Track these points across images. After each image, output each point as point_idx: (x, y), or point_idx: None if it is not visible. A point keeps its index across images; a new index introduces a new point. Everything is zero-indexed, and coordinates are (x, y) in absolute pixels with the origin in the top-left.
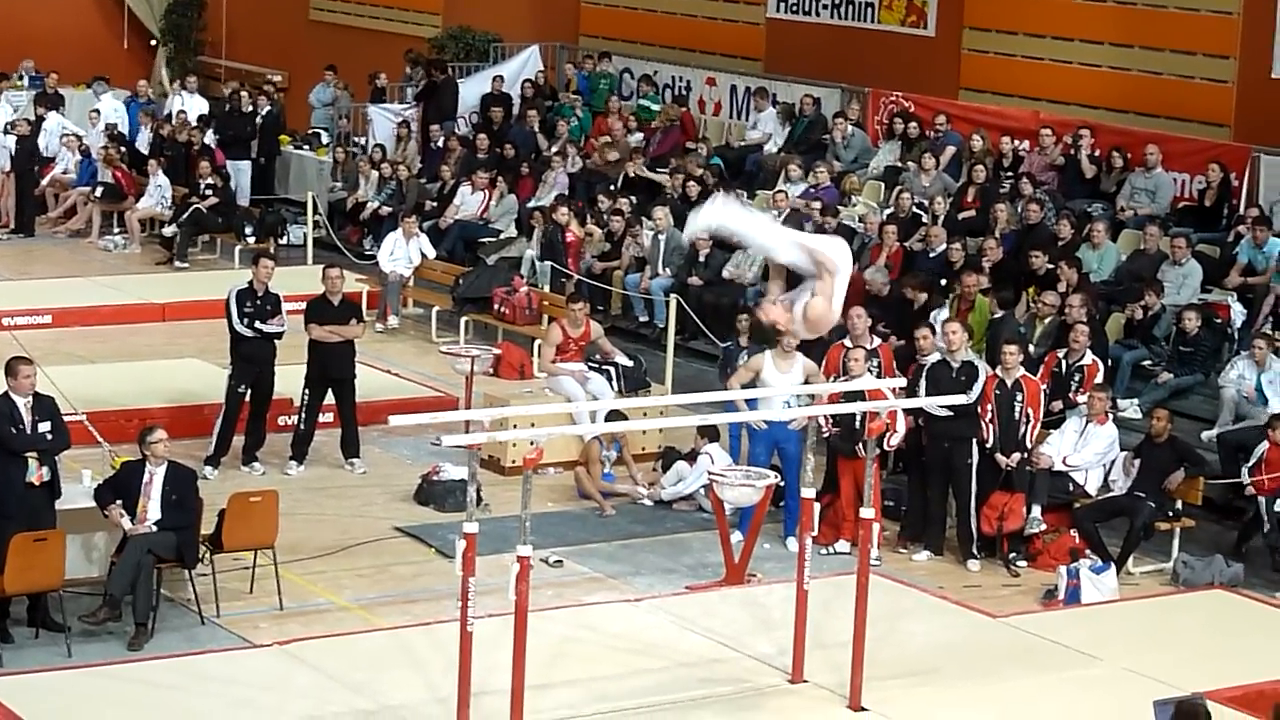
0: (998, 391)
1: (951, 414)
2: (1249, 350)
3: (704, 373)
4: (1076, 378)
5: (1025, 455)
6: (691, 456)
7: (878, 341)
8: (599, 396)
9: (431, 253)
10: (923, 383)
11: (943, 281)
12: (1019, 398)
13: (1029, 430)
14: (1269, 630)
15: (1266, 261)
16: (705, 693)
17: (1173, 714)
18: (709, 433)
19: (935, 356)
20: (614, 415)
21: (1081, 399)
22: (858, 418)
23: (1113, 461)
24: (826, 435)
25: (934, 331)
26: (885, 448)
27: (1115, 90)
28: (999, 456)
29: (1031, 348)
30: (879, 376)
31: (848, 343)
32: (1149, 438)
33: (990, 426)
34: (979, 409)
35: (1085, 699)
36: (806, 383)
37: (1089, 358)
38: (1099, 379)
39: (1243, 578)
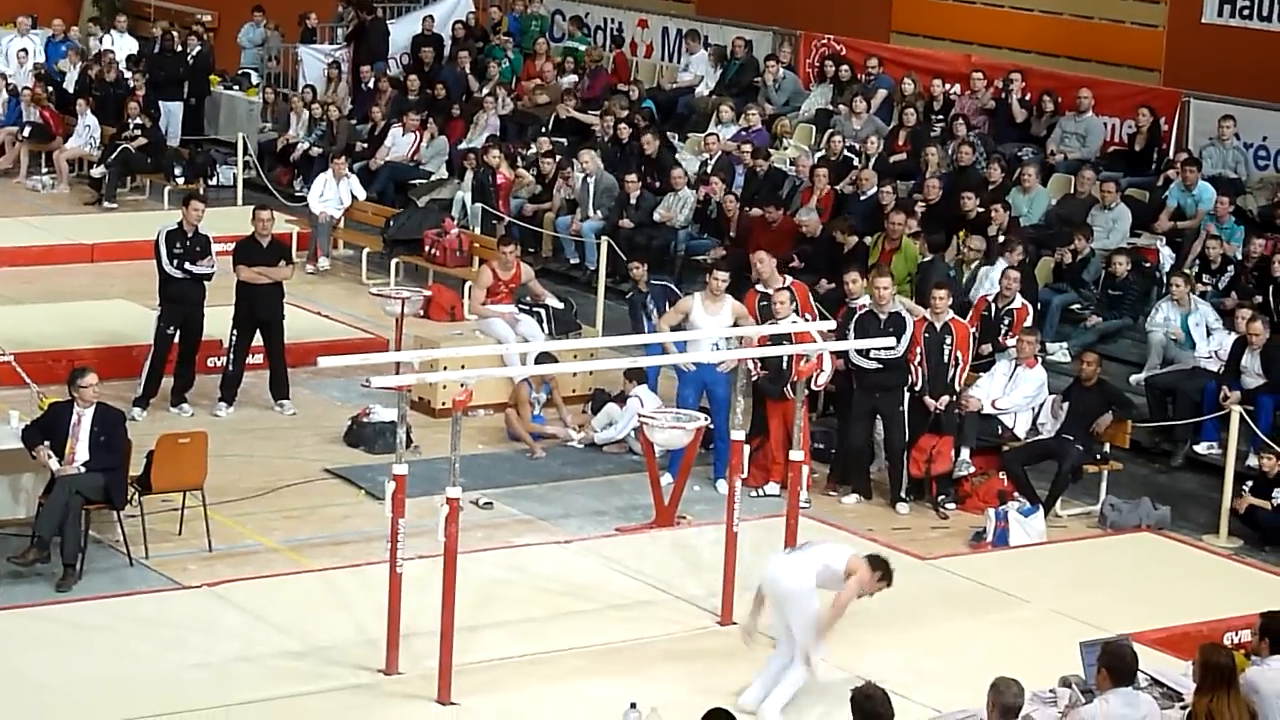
0: (927, 335)
1: (880, 366)
2: (1169, 292)
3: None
4: (1006, 321)
5: (954, 398)
6: (621, 399)
7: (788, 280)
8: (529, 339)
9: (361, 194)
10: (850, 332)
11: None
12: (948, 341)
13: (957, 373)
14: (1195, 573)
15: (1195, 205)
16: (635, 635)
17: (1098, 655)
18: (636, 375)
19: (864, 302)
20: (544, 357)
21: (1011, 342)
22: (785, 360)
23: (1041, 405)
24: (755, 379)
25: (863, 277)
26: (813, 388)
27: (1046, 34)
28: (927, 399)
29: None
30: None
31: (760, 287)
32: (1078, 381)
33: (919, 369)
34: (907, 355)
35: (1013, 641)
36: (735, 325)
37: (1018, 301)
38: (1028, 323)
39: (1169, 520)
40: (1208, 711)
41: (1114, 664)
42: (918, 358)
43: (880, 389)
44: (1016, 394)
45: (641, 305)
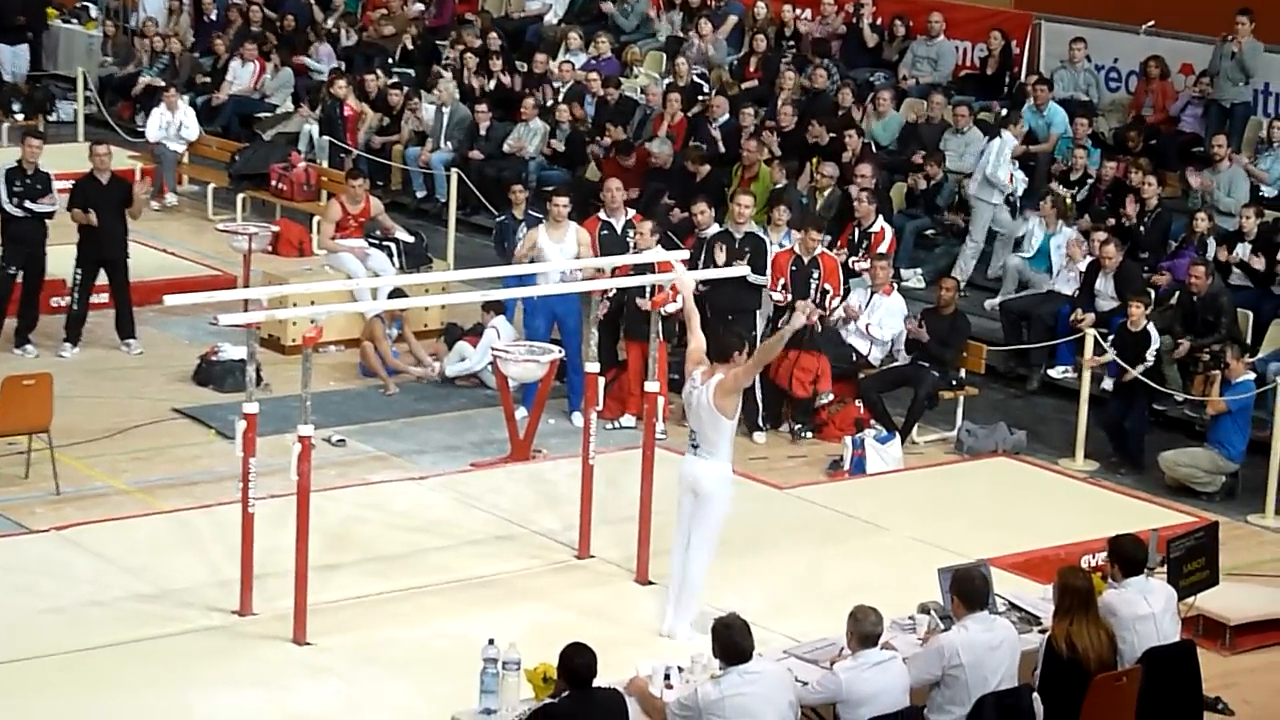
0: (794, 268)
1: (734, 289)
2: (1036, 209)
3: (486, 248)
4: (864, 244)
5: (827, 316)
6: (475, 333)
7: (631, 213)
8: (380, 273)
9: (195, 126)
10: (702, 256)
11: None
12: (815, 274)
13: (827, 301)
14: (1052, 496)
15: (1048, 129)
16: (492, 570)
17: (949, 583)
18: (495, 306)
19: (714, 229)
20: (396, 293)
21: (863, 265)
22: (648, 292)
23: (899, 333)
24: (604, 312)
25: (711, 207)
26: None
27: None
28: (800, 305)
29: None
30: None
31: (603, 215)
32: (935, 308)
33: (780, 300)
34: (768, 281)
35: (872, 568)
36: (578, 255)
37: (878, 224)
38: (884, 247)
39: (1025, 444)
40: (1067, 635)
41: (965, 589)
42: (779, 289)
43: (732, 311)
44: (877, 321)
45: (512, 232)
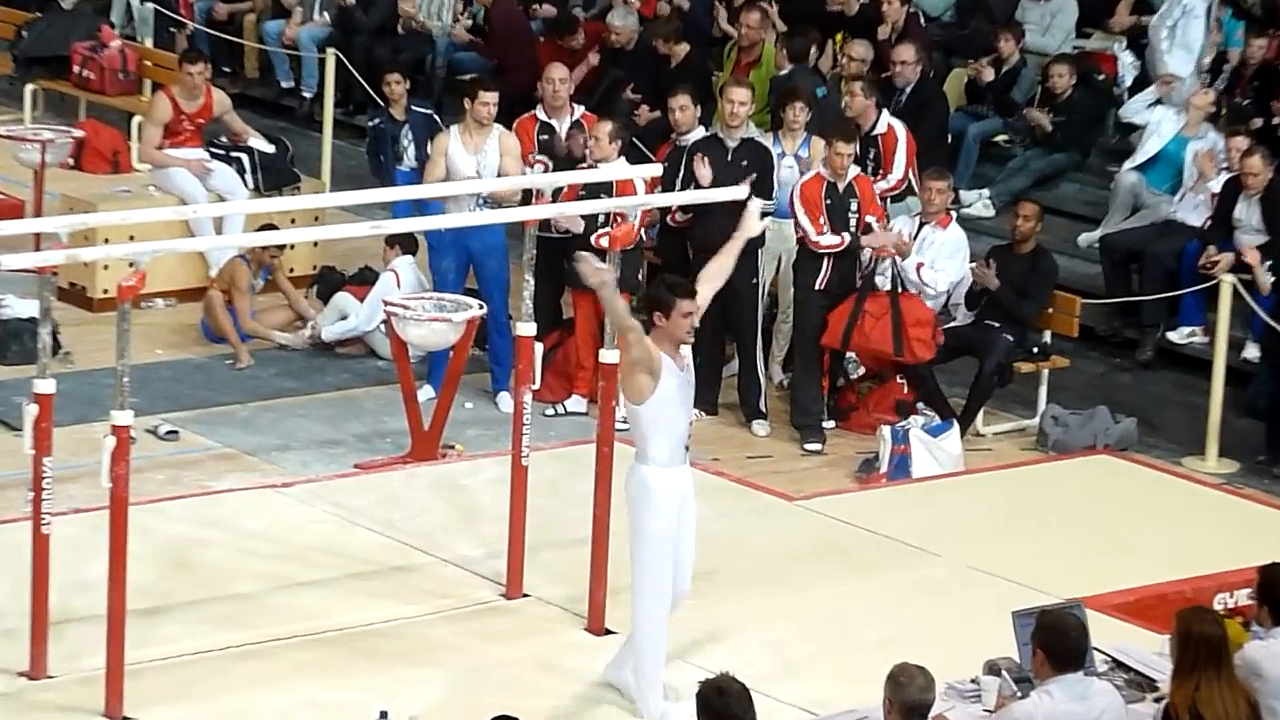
0: (828, 200)
1: (728, 217)
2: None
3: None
4: (871, 154)
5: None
6: (363, 280)
7: (580, 111)
8: (227, 196)
9: None
10: (680, 172)
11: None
12: (853, 205)
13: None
14: (1172, 510)
15: None
16: (384, 615)
17: (1033, 631)
18: (403, 241)
19: (699, 133)
20: (265, 226)
21: (883, 183)
22: (601, 222)
23: (960, 280)
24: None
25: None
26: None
27: None
28: (822, 239)
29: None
30: (568, 158)
31: (541, 114)
32: (1009, 245)
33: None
34: (790, 212)
35: (918, 610)
36: (504, 171)
37: (883, 122)
38: (900, 156)
39: (1136, 437)
40: (1191, 703)
41: (1054, 643)
42: (821, 226)
43: (714, 246)
44: (929, 263)
45: (391, 140)
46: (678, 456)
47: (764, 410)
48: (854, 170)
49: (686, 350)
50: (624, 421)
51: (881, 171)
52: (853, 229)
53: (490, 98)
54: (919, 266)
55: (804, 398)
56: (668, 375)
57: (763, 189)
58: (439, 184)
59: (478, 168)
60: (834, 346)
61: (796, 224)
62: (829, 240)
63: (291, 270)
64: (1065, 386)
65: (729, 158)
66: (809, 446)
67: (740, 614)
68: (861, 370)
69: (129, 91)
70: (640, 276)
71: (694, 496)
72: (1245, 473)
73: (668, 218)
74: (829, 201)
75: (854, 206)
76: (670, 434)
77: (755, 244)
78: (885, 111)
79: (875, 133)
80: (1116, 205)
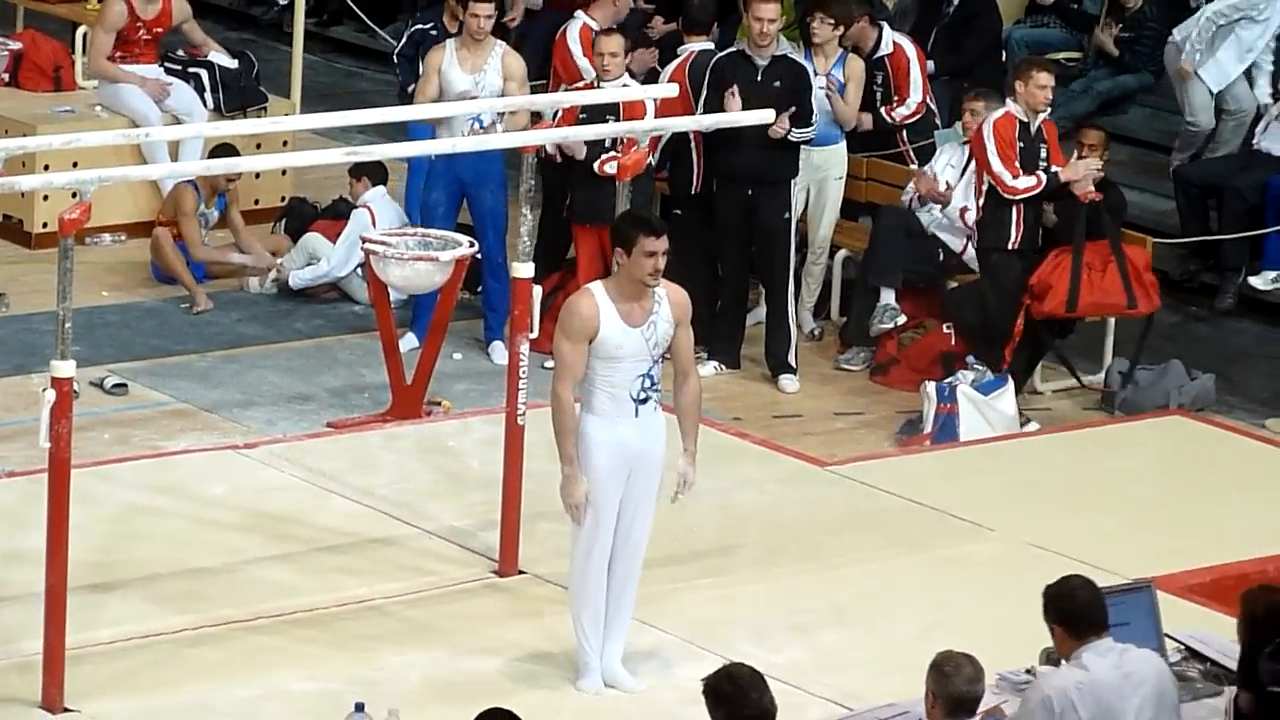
0: (1021, 143)
1: (758, 144)
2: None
3: (355, 77)
4: (880, 78)
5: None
6: (337, 215)
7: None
8: (186, 117)
9: None
10: (703, 92)
11: None
12: (1043, 151)
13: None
14: (1255, 479)
15: None
16: (361, 593)
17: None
18: (372, 172)
19: (701, 46)
20: (220, 150)
21: (902, 109)
22: (609, 146)
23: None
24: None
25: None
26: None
27: None
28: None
29: None
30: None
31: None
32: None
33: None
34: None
35: (966, 592)
36: (505, 92)
37: (887, 41)
38: (914, 74)
39: (1214, 395)
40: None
41: (1063, 611)
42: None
43: (755, 182)
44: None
45: (408, 59)
46: (625, 409)
47: (794, 364)
48: (1046, 111)
49: (659, 299)
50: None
51: (896, 98)
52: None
53: (484, 9)
54: (963, 211)
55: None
56: (609, 332)
57: (800, 115)
58: (430, 105)
59: (476, 89)
60: (1058, 314)
61: (988, 168)
62: (1025, 183)
63: (257, 202)
64: (1135, 338)
65: (759, 78)
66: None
67: (765, 595)
68: (901, 318)
69: None
70: (654, 203)
71: (658, 451)
72: None
73: (691, 150)
74: (1021, 144)
75: (1044, 153)
76: (611, 387)
77: (789, 173)
78: (886, 28)
79: (880, 54)
80: (1190, 130)
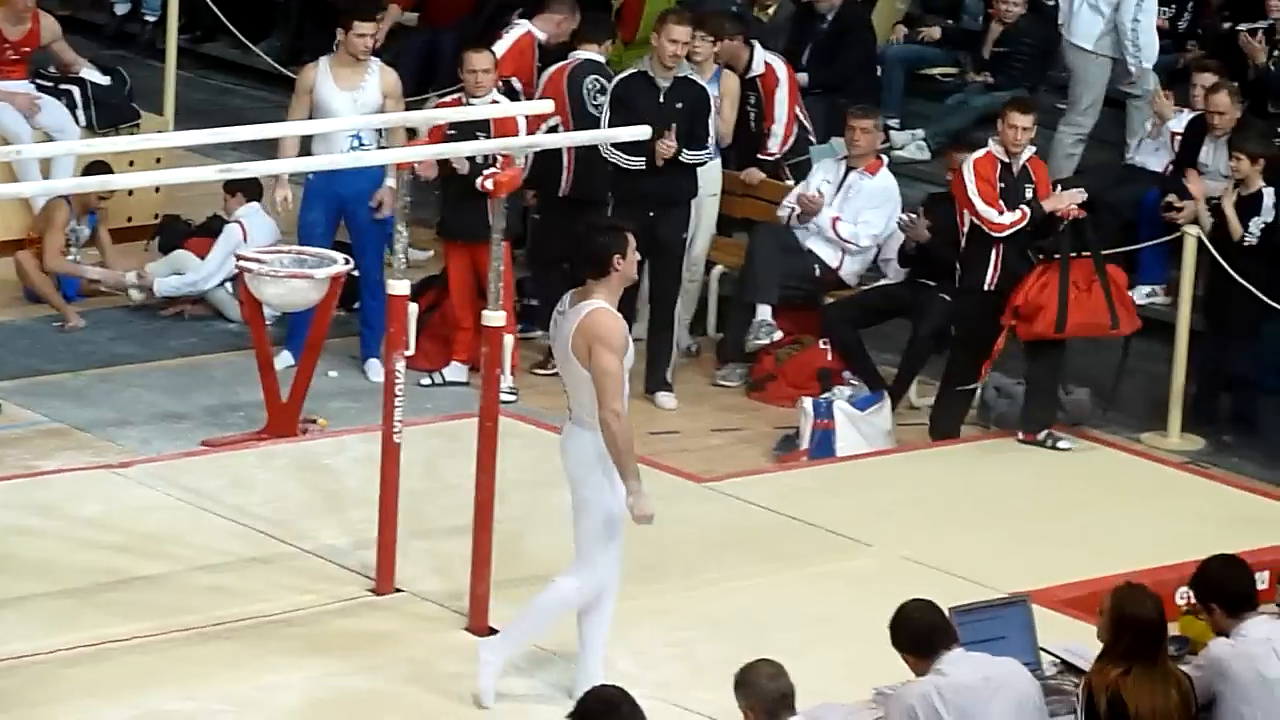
0: (1002, 184)
1: (650, 166)
2: None
3: (229, 94)
4: (752, 99)
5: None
6: (211, 232)
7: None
8: (56, 135)
9: None
10: (606, 113)
11: None
12: (1027, 192)
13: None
14: (1129, 492)
15: None
16: (235, 614)
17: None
18: (246, 188)
19: (589, 55)
20: (93, 167)
21: (773, 139)
22: (483, 164)
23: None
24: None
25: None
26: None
27: None
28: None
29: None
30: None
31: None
32: (948, 194)
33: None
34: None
35: (844, 607)
36: (384, 110)
37: (759, 61)
38: (782, 96)
39: (1089, 409)
40: (1115, 688)
41: (909, 638)
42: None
43: (660, 203)
44: (851, 214)
45: None
46: None
47: (670, 381)
48: (1029, 150)
49: None
50: (511, 393)
51: (765, 122)
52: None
53: (367, 28)
54: (835, 221)
55: (950, 415)
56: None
57: (696, 136)
58: (311, 121)
59: (354, 107)
60: (1047, 335)
61: (971, 208)
62: (1010, 218)
63: (130, 220)
64: (1011, 354)
65: (661, 99)
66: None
67: (642, 611)
68: (778, 334)
69: None
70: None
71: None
72: (1211, 450)
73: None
74: (1002, 185)
75: (1028, 193)
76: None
77: (689, 193)
78: (759, 48)
79: (752, 74)
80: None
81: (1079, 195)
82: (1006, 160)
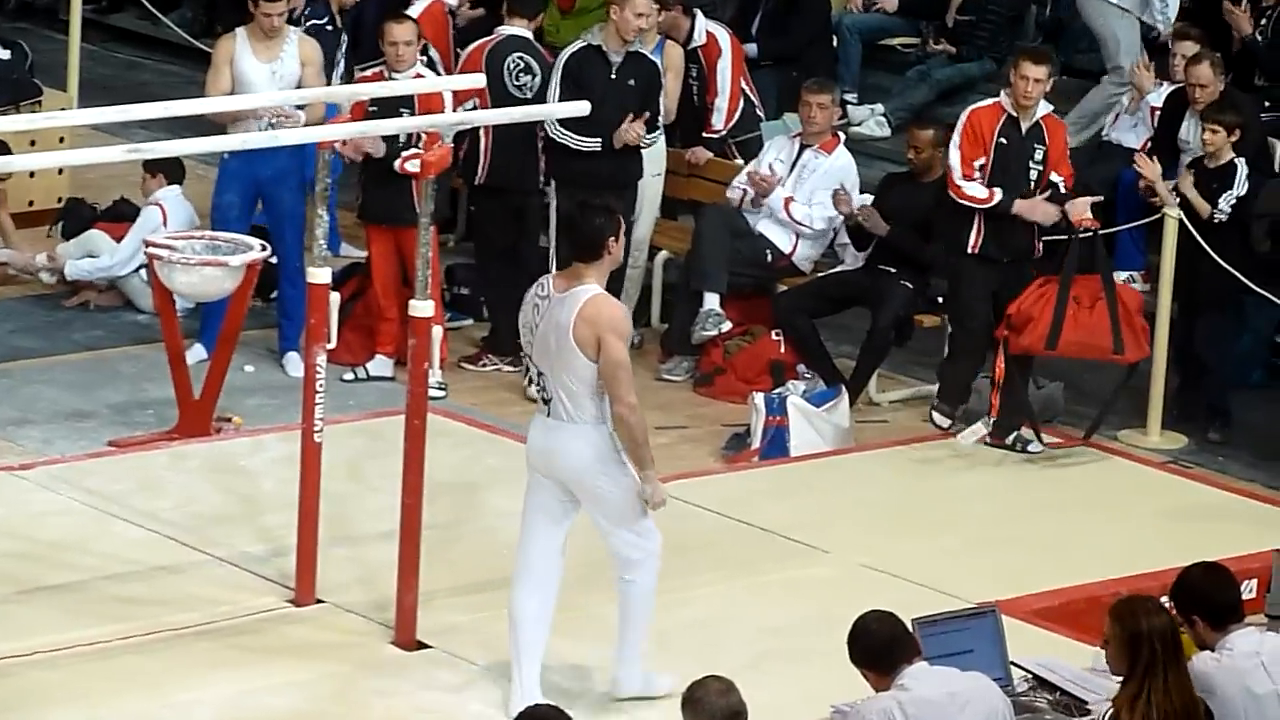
0: (1001, 139)
1: (608, 149)
2: None
3: (137, 68)
4: (694, 71)
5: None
6: (122, 216)
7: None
8: None
9: None
10: (556, 90)
11: None
12: (1037, 153)
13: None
14: (1107, 494)
15: None
16: (144, 627)
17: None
18: (168, 169)
19: (515, 31)
20: None
21: (716, 115)
22: (403, 143)
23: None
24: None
25: None
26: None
27: None
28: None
29: None
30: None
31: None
32: (907, 174)
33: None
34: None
35: (800, 618)
36: (302, 79)
37: (700, 31)
38: (724, 66)
39: (1063, 406)
40: (1144, 709)
41: (865, 652)
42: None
43: (607, 186)
44: (812, 196)
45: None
46: None
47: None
48: (1045, 107)
49: None
50: (439, 388)
51: (709, 96)
52: (1032, 180)
53: (276, 8)
54: (788, 202)
55: (955, 386)
56: None
57: (651, 115)
58: (220, 98)
59: (273, 79)
60: (1036, 351)
61: (946, 158)
62: (974, 191)
63: (31, 203)
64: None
65: (613, 75)
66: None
67: (583, 623)
68: (726, 325)
69: None
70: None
71: None
72: (1194, 449)
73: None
74: (1002, 140)
75: (1038, 155)
76: None
77: (636, 175)
78: (700, 16)
79: (694, 45)
80: None
81: (1091, 200)
82: (1014, 115)
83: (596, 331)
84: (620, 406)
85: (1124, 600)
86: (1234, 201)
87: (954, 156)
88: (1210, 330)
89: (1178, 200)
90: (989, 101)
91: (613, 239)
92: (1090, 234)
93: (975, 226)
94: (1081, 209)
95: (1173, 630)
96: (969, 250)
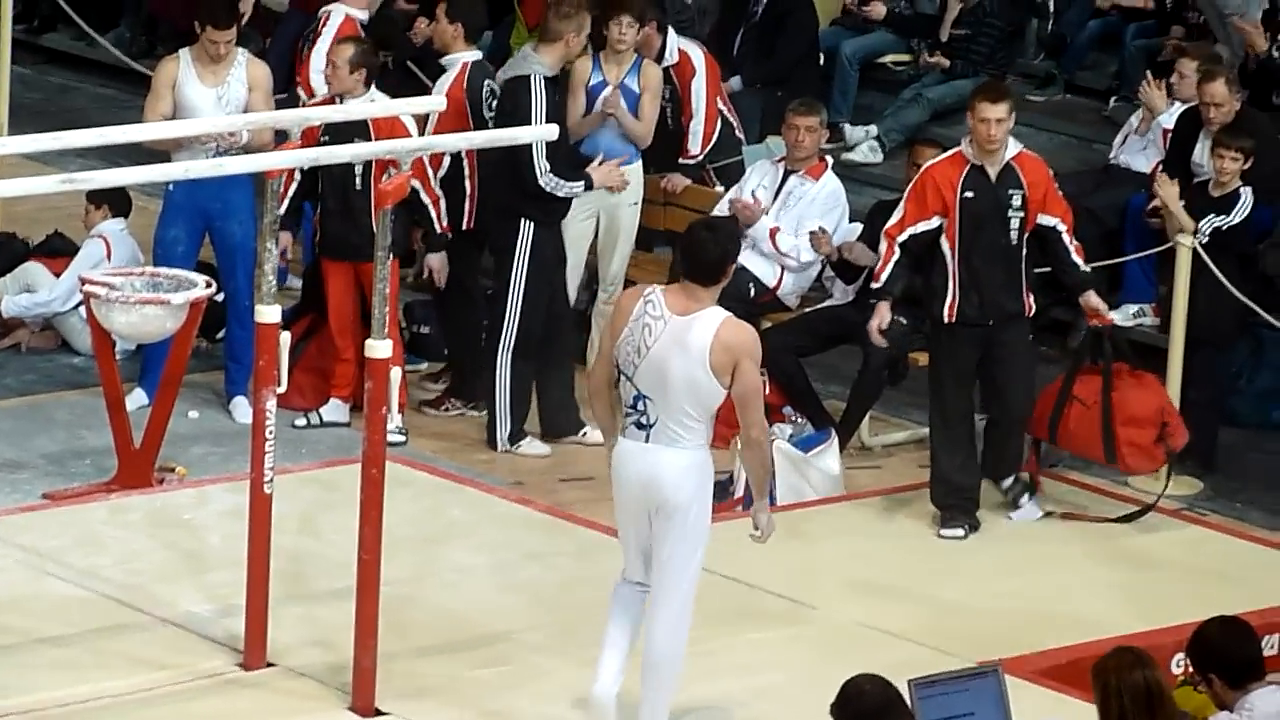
0: (968, 193)
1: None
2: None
3: (71, 92)
4: (668, 92)
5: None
6: (59, 252)
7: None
8: None
9: None
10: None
11: None
12: (1015, 199)
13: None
14: (1116, 545)
15: None
16: (82, 694)
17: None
18: (114, 200)
19: (476, 55)
20: None
21: (693, 139)
22: (360, 174)
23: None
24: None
25: None
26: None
27: None
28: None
29: None
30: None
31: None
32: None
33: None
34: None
35: (786, 680)
36: (249, 103)
37: (672, 49)
38: (699, 85)
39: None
40: None
41: (861, 711)
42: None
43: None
44: (792, 225)
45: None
46: None
47: (584, 418)
48: (1014, 147)
49: None
50: (399, 433)
51: (683, 118)
52: (1014, 229)
53: (223, 35)
54: (773, 232)
55: (947, 467)
56: None
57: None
58: (162, 124)
59: (219, 104)
60: (1041, 438)
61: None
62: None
63: None
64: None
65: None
66: (947, 531)
67: (559, 683)
68: None
69: None
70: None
71: None
72: (1209, 495)
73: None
74: (968, 195)
75: (1016, 201)
76: None
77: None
78: (672, 33)
79: (666, 64)
80: None
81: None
82: (978, 163)
83: (734, 357)
84: (755, 430)
85: (1105, 655)
86: (1220, 228)
87: (895, 215)
88: (1201, 366)
89: (1194, 229)
90: (948, 154)
91: (732, 263)
92: (1099, 330)
93: (951, 290)
94: (1095, 302)
95: (1149, 685)
96: (946, 320)
